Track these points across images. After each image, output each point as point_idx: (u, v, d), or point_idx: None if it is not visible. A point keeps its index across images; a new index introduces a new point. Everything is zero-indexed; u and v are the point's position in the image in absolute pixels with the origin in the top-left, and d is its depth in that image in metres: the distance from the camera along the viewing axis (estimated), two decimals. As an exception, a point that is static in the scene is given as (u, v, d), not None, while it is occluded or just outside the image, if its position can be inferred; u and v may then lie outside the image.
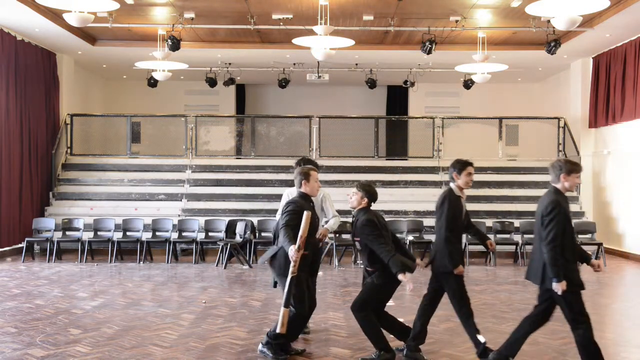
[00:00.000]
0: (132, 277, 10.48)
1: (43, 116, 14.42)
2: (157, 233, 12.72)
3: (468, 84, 16.45)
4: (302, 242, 5.32)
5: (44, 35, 13.31)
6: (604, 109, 14.16)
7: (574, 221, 14.16)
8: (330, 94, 19.66)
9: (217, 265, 11.75)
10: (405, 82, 16.93)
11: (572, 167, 5.01)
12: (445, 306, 8.13)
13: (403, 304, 8.21)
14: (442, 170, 15.17)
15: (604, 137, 14.61)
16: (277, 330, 5.43)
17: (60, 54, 15.11)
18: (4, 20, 12.20)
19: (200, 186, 14.86)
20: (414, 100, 19.09)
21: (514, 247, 12.43)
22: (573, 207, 14.21)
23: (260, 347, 5.76)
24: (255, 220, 12.86)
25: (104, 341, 6.22)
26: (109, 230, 12.62)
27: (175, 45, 11.85)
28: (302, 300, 5.54)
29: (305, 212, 5.38)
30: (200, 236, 12.65)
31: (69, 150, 15.48)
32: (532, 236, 12.59)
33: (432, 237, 12.60)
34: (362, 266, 5.72)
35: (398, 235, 12.55)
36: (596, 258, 10.20)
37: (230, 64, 16.14)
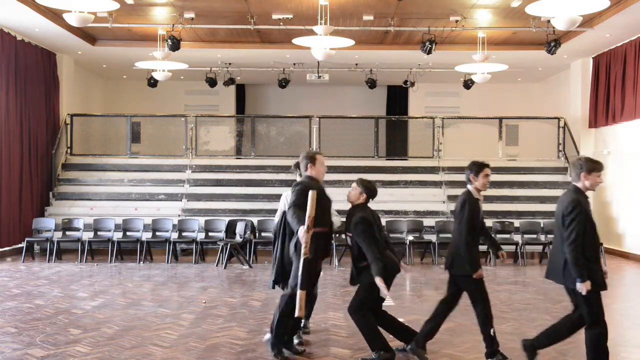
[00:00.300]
0: (132, 277, 10.48)
1: (43, 116, 14.42)
2: (157, 233, 12.72)
3: (468, 84, 16.45)
4: (310, 222, 5.25)
5: (44, 35, 13.31)
6: (604, 109, 14.16)
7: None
8: (330, 94, 19.66)
9: (217, 265, 11.75)
10: (405, 82, 16.93)
11: (593, 166, 4.92)
12: (445, 306, 8.12)
13: (403, 304, 8.21)
14: (442, 170, 15.17)
15: (604, 137, 14.61)
16: (296, 314, 5.38)
17: (60, 54, 15.11)
18: (4, 20, 12.20)
19: (200, 186, 14.87)
20: (414, 100, 19.09)
21: (514, 247, 12.42)
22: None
23: (266, 337, 5.72)
24: (255, 220, 12.86)
25: (104, 341, 6.22)
26: (109, 230, 12.62)
27: (175, 45, 11.86)
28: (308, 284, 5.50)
29: (310, 192, 5.28)
30: (200, 236, 12.65)
31: (69, 150, 15.48)
32: (532, 236, 12.71)
33: (432, 237, 12.66)
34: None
35: (398, 235, 12.72)
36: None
37: (230, 64, 16.14)
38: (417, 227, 12.97)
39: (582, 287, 4.73)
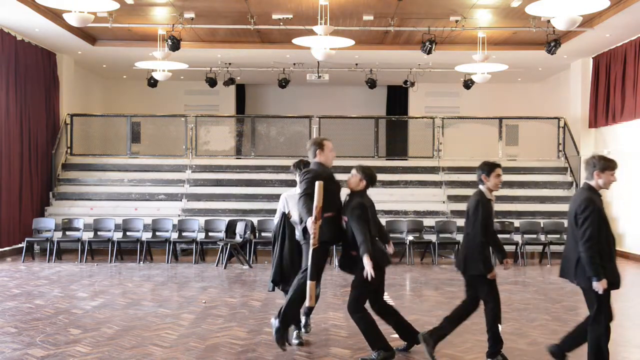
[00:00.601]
0: (132, 277, 10.48)
1: (43, 116, 14.42)
2: (157, 233, 12.72)
3: (468, 84, 16.45)
4: (317, 212, 5.27)
5: (44, 35, 13.31)
6: (604, 109, 14.16)
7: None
8: (330, 94, 19.66)
9: (217, 265, 11.75)
10: (405, 82, 16.93)
11: (606, 164, 4.89)
12: (445, 306, 8.13)
13: (403, 304, 8.21)
14: (442, 170, 15.18)
15: (604, 137, 14.61)
16: (307, 304, 5.41)
17: (60, 54, 15.11)
18: (4, 20, 12.20)
19: (200, 186, 14.87)
20: (414, 100, 19.09)
21: (514, 247, 12.42)
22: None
23: (275, 321, 5.73)
24: (255, 220, 12.86)
25: (104, 341, 6.21)
26: (109, 230, 12.62)
27: (175, 45, 11.86)
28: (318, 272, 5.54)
29: (317, 183, 5.30)
30: (200, 236, 12.65)
31: (69, 150, 15.49)
32: (531, 236, 12.71)
33: (432, 237, 12.66)
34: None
35: (398, 235, 12.71)
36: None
37: (230, 64, 16.14)
38: (417, 227, 12.97)
39: (599, 286, 4.70)
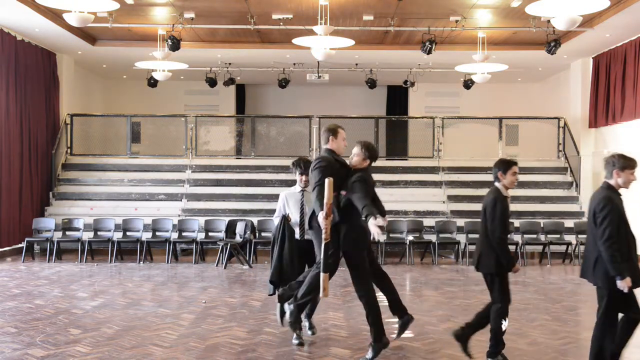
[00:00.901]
0: (132, 277, 10.48)
1: (43, 116, 14.42)
2: (157, 233, 12.72)
3: (468, 84, 16.45)
4: (328, 209, 5.32)
5: (44, 35, 13.31)
6: (604, 109, 14.16)
7: (574, 221, 14.10)
8: (330, 94, 19.66)
9: (217, 265, 11.75)
10: (405, 82, 16.93)
11: (626, 163, 4.86)
12: (445, 306, 8.14)
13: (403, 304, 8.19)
14: (442, 170, 15.18)
15: (604, 137, 14.61)
16: (320, 295, 5.51)
17: (60, 54, 15.11)
18: (4, 20, 12.20)
19: (200, 186, 14.87)
20: (414, 100, 19.09)
21: (514, 247, 12.41)
22: (573, 207, 14.23)
23: (288, 307, 5.82)
24: (255, 220, 12.86)
25: (104, 341, 6.21)
26: (109, 230, 12.62)
27: (175, 45, 11.86)
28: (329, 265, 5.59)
29: (326, 180, 5.33)
30: (200, 236, 12.65)
31: (69, 150, 15.48)
32: (531, 236, 12.70)
33: (432, 237, 12.66)
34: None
35: (398, 235, 12.72)
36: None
37: (230, 64, 16.14)
38: (417, 227, 12.96)
39: (623, 284, 4.61)
